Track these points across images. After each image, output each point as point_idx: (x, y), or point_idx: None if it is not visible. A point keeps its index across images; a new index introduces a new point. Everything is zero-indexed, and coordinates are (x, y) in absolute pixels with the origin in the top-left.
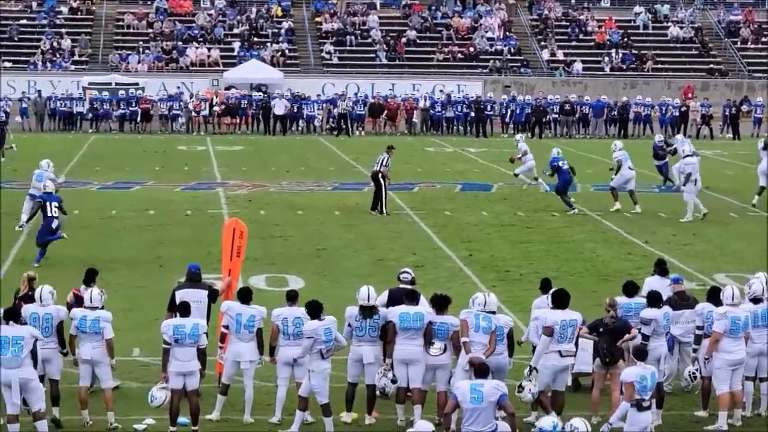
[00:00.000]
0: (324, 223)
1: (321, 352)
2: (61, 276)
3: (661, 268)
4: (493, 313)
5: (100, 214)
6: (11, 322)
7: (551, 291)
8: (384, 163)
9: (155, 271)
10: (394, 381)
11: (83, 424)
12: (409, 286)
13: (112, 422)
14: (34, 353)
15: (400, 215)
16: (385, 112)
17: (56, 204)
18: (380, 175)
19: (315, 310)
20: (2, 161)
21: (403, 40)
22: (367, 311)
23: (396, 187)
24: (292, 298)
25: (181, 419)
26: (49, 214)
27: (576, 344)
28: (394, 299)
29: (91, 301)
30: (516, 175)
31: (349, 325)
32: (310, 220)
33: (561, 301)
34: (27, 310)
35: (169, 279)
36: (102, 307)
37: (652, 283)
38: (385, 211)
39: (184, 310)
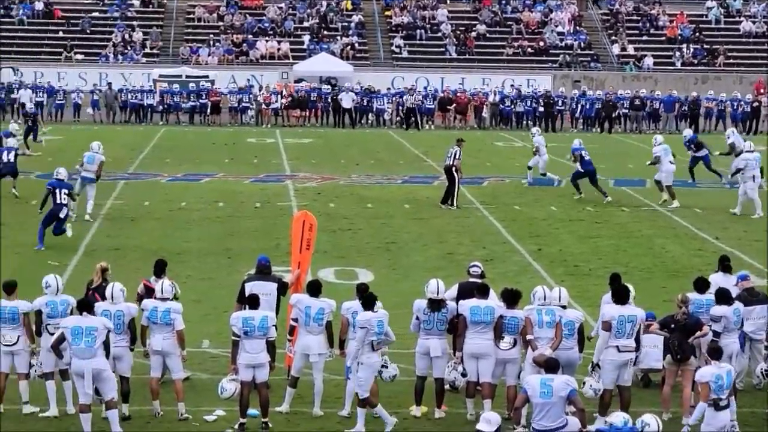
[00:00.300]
0: (393, 217)
1: (372, 343)
2: (130, 267)
3: (724, 265)
4: (564, 307)
5: (169, 206)
6: (85, 313)
7: (613, 286)
8: (456, 157)
9: (224, 263)
10: (464, 375)
11: (154, 415)
12: (479, 280)
13: (182, 413)
14: (107, 344)
15: (469, 209)
16: (455, 106)
17: (66, 191)
18: (453, 168)
19: (369, 301)
20: (28, 153)
21: (473, 34)
22: (436, 304)
23: (465, 181)
24: (362, 291)
25: (251, 411)
26: (58, 201)
27: (637, 340)
28: (464, 293)
29: (162, 293)
30: (530, 168)
31: (417, 318)
32: (379, 214)
33: (620, 296)
34: (98, 307)
35: (238, 271)
36: (174, 299)
37: (717, 280)
38: (456, 205)
39: (253, 302)
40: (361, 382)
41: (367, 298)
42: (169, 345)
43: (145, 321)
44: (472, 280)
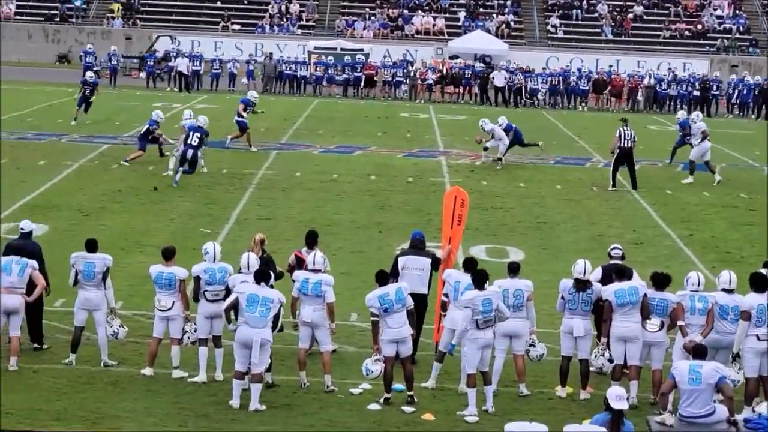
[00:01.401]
0: (545, 197)
1: (477, 322)
2: (281, 237)
3: None
4: (732, 291)
5: (321, 177)
6: (262, 283)
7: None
8: (634, 139)
9: (375, 236)
10: (610, 361)
11: (300, 385)
12: (620, 262)
13: (328, 385)
14: (276, 317)
15: (621, 192)
16: (609, 88)
17: (198, 135)
18: (632, 150)
19: (479, 279)
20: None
21: (630, 15)
22: (582, 285)
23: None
24: (513, 269)
25: (396, 386)
26: (189, 142)
27: None
28: (607, 276)
29: (314, 264)
30: (486, 149)
31: (562, 297)
32: (531, 193)
33: (758, 284)
34: (235, 279)
35: (389, 245)
36: (325, 271)
37: None
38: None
39: (382, 278)
40: (467, 358)
41: (475, 275)
42: (318, 317)
43: (296, 292)
44: (612, 262)
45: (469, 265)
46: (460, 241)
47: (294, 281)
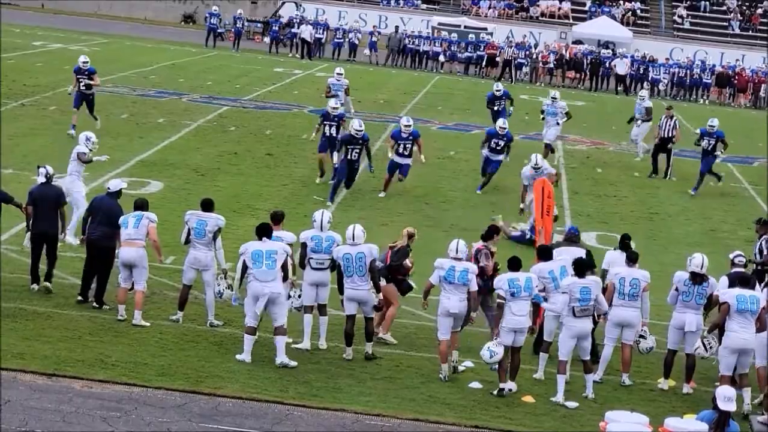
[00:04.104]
0: (659, 188)
1: (573, 309)
2: (393, 211)
3: None
4: None
5: (438, 154)
6: (264, 238)
7: None
8: (674, 128)
9: (487, 215)
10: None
11: (442, 378)
12: (742, 269)
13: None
14: (284, 267)
15: (736, 188)
16: (733, 83)
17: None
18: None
19: (580, 267)
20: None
21: (759, 10)
22: (698, 278)
23: (736, 160)
24: (632, 258)
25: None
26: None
27: None
28: (732, 285)
29: (456, 252)
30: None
31: (677, 289)
32: (645, 184)
33: None
34: (340, 251)
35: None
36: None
37: None
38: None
39: (514, 264)
40: (560, 344)
41: (578, 264)
42: (464, 307)
43: (437, 280)
44: (735, 270)
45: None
46: (552, 230)
47: (436, 268)
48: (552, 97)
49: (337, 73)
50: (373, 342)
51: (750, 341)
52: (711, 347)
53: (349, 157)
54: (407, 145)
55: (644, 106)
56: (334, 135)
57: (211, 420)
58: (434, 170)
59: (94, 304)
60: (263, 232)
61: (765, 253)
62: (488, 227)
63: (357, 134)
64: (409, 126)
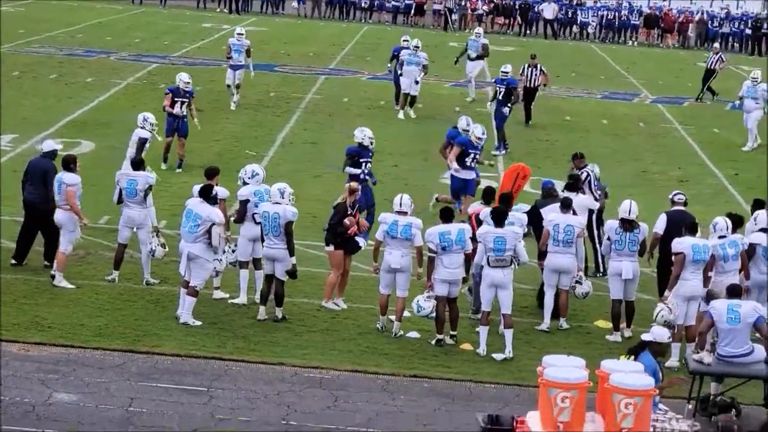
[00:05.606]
0: (590, 131)
1: (488, 259)
2: (325, 161)
3: None
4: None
5: (368, 104)
6: (201, 199)
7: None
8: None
9: (419, 165)
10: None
11: (378, 328)
12: (683, 207)
13: (396, 332)
14: (210, 238)
15: (667, 128)
16: (660, 23)
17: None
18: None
19: (498, 216)
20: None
21: None
22: (628, 224)
23: (666, 100)
24: (566, 205)
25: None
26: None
27: None
28: (673, 223)
29: (400, 206)
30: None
31: (608, 238)
32: (576, 127)
33: None
34: (260, 208)
35: (438, 174)
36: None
37: None
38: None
39: (446, 216)
40: (480, 295)
41: (494, 212)
42: (406, 262)
43: (382, 235)
44: (676, 208)
45: (488, 195)
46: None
47: (380, 223)
48: (752, 78)
49: (238, 33)
50: (283, 306)
51: (699, 288)
52: (673, 310)
53: None
54: (477, 156)
55: (480, 42)
56: (184, 114)
57: (150, 378)
58: (365, 120)
59: (46, 262)
60: (203, 193)
61: (594, 183)
62: (485, 188)
63: None
64: (483, 138)
